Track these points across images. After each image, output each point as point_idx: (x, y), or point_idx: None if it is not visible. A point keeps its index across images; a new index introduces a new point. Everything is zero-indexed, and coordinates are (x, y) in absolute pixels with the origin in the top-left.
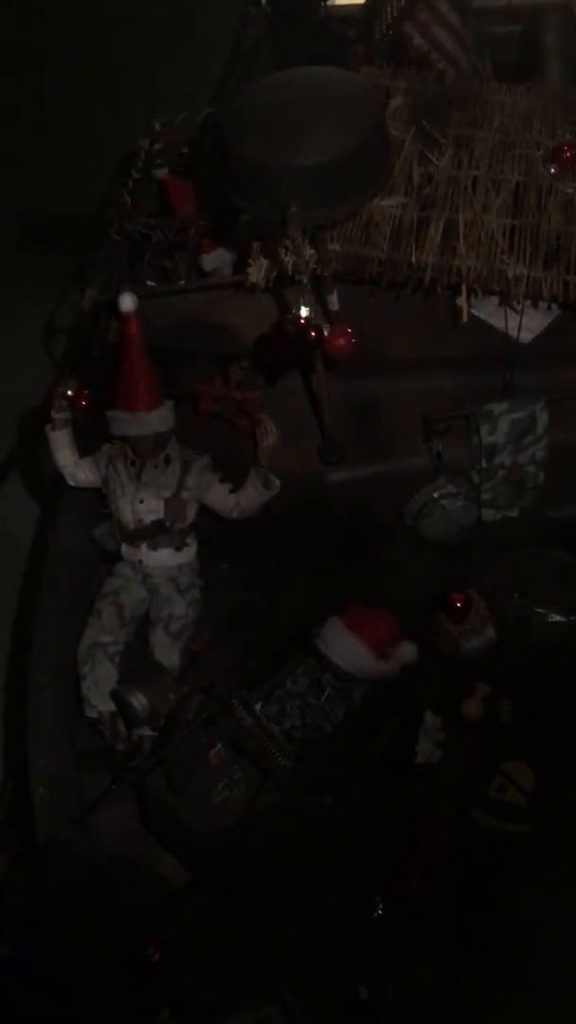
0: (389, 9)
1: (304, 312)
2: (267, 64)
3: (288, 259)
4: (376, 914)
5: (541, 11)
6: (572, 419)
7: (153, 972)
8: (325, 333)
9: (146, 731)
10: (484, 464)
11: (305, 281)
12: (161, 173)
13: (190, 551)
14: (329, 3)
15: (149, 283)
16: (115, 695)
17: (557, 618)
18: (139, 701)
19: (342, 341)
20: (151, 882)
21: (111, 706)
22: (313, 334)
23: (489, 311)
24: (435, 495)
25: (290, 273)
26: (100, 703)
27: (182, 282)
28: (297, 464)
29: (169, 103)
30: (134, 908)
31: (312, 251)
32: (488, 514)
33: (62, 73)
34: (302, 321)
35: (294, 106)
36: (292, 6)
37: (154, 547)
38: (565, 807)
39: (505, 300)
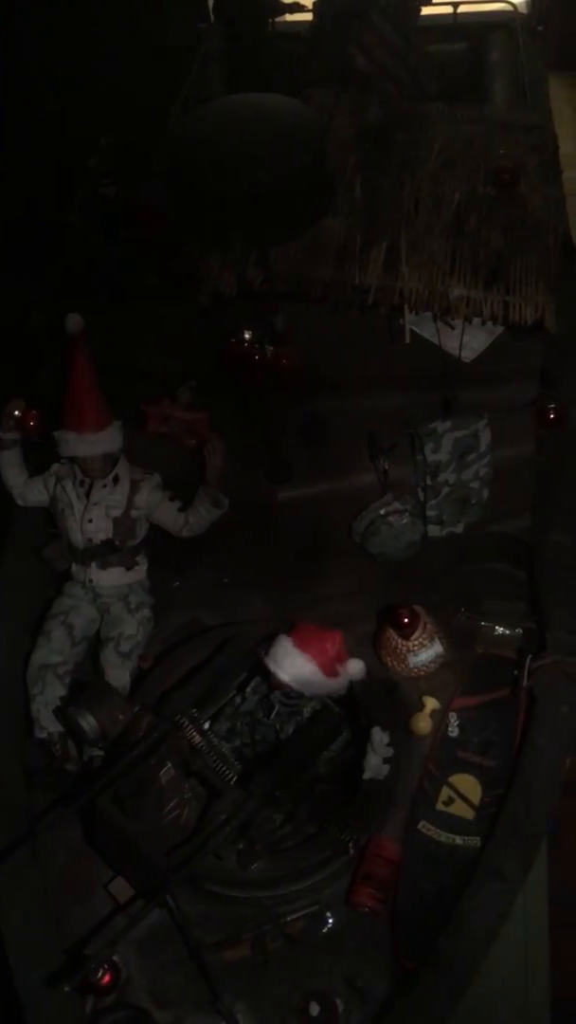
0: (333, 30)
1: (247, 335)
2: (218, 81)
3: (232, 281)
4: (325, 928)
5: (486, 28)
6: (515, 436)
7: (103, 993)
8: (268, 355)
9: (96, 752)
10: (429, 481)
11: (249, 303)
12: (109, 191)
13: (141, 570)
14: (279, 20)
15: (99, 301)
16: (64, 716)
17: (503, 631)
18: (88, 722)
19: (286, 362)
20: (100, 903)
21: (61, 727)
22: (257, 357)
23: (432, 331)
24: (382, 512)
25: (234, 295)
26: (50, 724)
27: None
28: (247, 483)
29: (117, 119)
30: (83, 929)
31: (257, 272)
32: (434, 530)
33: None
34: (246, 343)
35: (238, 132)
36: (242, 24)
37: (104, 566)
38: (510, 818)
39: (446, 320)
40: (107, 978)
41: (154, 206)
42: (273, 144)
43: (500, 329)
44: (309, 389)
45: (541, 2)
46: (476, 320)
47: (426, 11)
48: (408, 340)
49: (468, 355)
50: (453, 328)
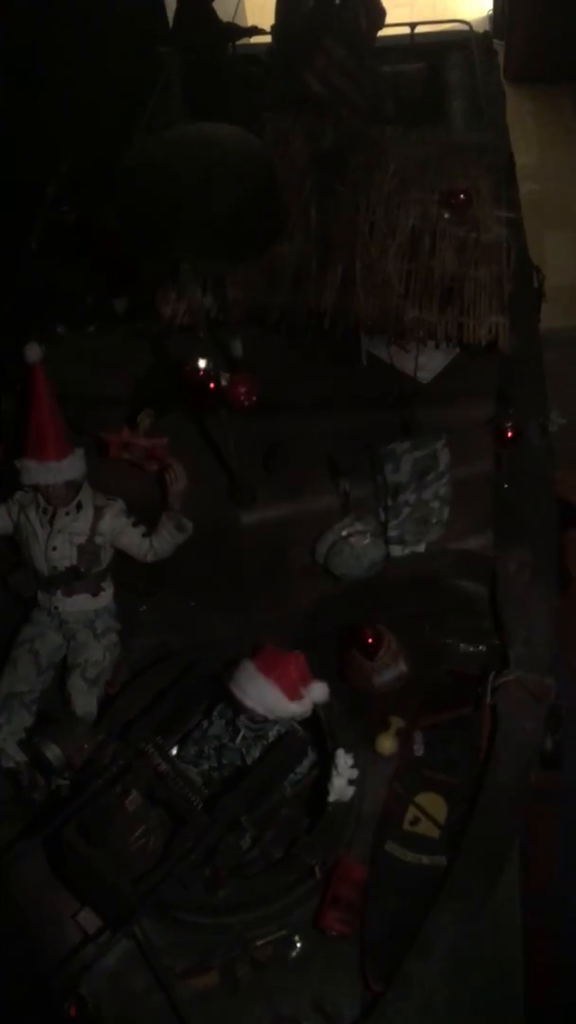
0: (290, 54)
1: (202, 364)
2: (179, 105)
3: (187, 309)
4: (294, 952)
5: (443, 48)
6: (474, 455)
7: None
8: (223, 383)
9: (63, 781)
10: (389, 502)
11: (201, 333)
12: (69, 217)
13: (106, 595)
14: (239, 43)
15: (59, 329)
16: (28, 746)
17: (467, 648)
18: (53, 753)
19: (242, 390)
20: (68, 934)
21: (27, 757)
22: (212, 385)
23: (389, 353)
24: (343, 533)
25: (188, 323)
26: (16, 754)
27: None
28: (209, 507)
29: (77, 143)
30: (52, 961)
31: (212, 299)
32: (396, 550)
33: None
34: (200, 372)
35: (188, 160)
36: (201, 47)
37: (69, 593)
38: (475, 837)
39: (402, 342)
40: (73, 1011)
41: (113, 232)
42: (219, 173)
43: (457, 350)
44: (269, 411)
45: (503, 16)
46: (431, 341)
47: (383, 32)
48: (364, 362)
49: (425, 376)
50: (408, 351)
